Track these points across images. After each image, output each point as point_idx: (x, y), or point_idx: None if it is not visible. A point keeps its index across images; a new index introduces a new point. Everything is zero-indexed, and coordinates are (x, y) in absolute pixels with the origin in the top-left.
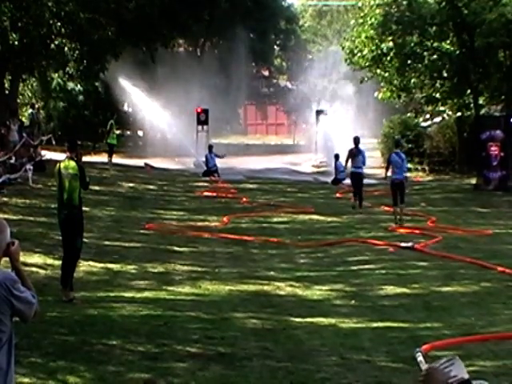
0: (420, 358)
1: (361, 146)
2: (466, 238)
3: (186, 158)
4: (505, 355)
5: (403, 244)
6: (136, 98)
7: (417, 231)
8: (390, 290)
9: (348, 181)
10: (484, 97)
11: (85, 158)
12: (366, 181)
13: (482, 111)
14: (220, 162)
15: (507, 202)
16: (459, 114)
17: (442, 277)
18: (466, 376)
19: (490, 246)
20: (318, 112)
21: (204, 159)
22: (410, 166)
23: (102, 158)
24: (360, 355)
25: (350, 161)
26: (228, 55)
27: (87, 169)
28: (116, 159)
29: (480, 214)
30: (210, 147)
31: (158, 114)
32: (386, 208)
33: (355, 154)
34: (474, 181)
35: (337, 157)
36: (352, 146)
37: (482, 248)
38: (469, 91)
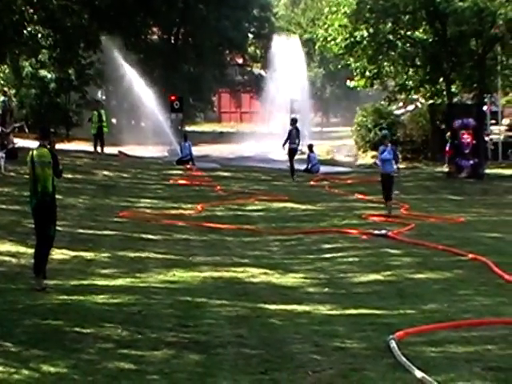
0: (393, 345)
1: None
2: (438, 226)
3: (160, 146)
4: (476, 341)
5: (376, 232)
6: (109, 85)
7: (390, 219)
8: (364, 277)
9: (322, 169)
10: (456, 85)
11: (58, 146)
12: (340, 169)
13: (455, 99)
14: (194, 150)
15: (479, 190)
16: (432, 101)
17: (414, 264)
18: None
19: (463, 233)
20: (292, 100)
21: (179, 147)
22: None
23: (76, 145)
24: (334, 342)
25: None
26: (202, 43)
27: (60, 156)
28: (90, 147)
29: (452, 202)
30: (185, 136)
31: (131, 101)
32: (360, 196)
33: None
34: (445, 168)
35: (310, 148)
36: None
37: (455, 235)
38: (441, 79)
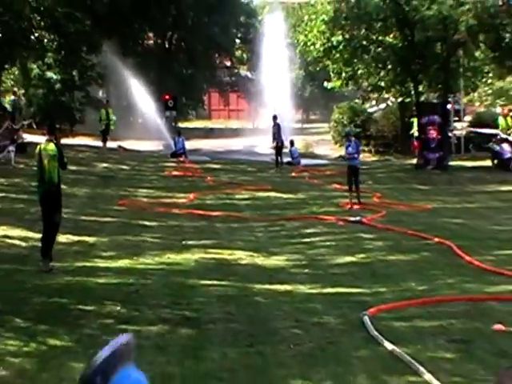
0: (366, 320)
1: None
2: (407, 213)
3: (156, 141)
4: (441, 316)
5: (352, 218)
6: (110, 86)
7: (364, 207)
8: (340, 259)
9: (303, 162)
10: (423, 85)
11: (63, 141)
12: (317, 161)
13: (422, 98)
14: (187, 145)
15: (444, 180)
16: (401, 100)
17: (386, 247)
18: None
19: (429, 219)
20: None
21: (173, 142)
22: None
23: (79, 140)
24: (313, 318)
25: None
26: (193, 47)
27: (65, 150)
28: (92, 142)
29: (420, 191)
30: (179, 131)
31: (130, 100)
32: (337, 186)
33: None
34: (414, 161)
35: (292, 143)
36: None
37: (422, 221)
38: (410, 80)
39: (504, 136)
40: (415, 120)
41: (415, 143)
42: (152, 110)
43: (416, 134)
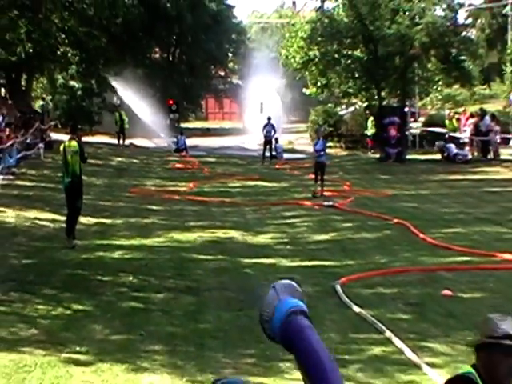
0: (338, 288)
1: (272, 122)
2: (372, 198)
3: (162, 139)
4: (400, 284)
5: (326, 203)
6: (122, 93)
7: (336, 193)
8: (316, 237)
9: (285, 156)
10: (385, 91)
11: (83, 139)
12: (297, 155)
13: (384, 102)
14: (188, 142)
15: (402, 171)
16: (367, 104)
17: (354, 227)
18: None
19: (390, 203)
20: (262, 103)
21: (176, 140)
22: (330, 144)
23: (97, 138)
24: None
25: (264, 130)
26: (193, 60)
27: (85, 147)
28: (108, 139)
29: (382, 180)
30: (181, 131)
31: (139, 105)
32: (313, 176)
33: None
34: (378, 155)
35: (276, 140)
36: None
37: (384, 205)
38: (374, 87)
39: (451, 134)
40: (370, 121)
41: (369, 140)
42: (158, 112)
43: (370, 132)
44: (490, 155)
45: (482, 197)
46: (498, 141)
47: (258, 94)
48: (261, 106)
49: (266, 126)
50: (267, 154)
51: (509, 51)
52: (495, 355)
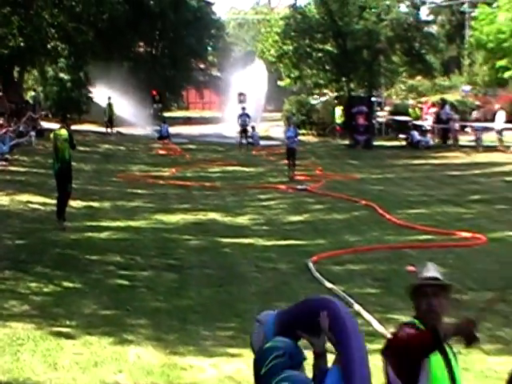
0: (310, 265)
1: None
2: (342, 182)
3: (146, 127)
4: (368, 261)
5: (299, 186)
6: (109, 84)
7: (308, 177)
8: (290, 218)
9: (262, 143)
10: (353, 83)
11: (73, 127)
12: (273, 142)
13: (353, 93)
14: (170, 130)
15: (370, 156)
16: (337, 94)
17: (325, 209)
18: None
19: (358, 186)
20: (240, 94)
21: (159, 128)
22: (303, 131)
23: (85, 126)
24: (269, 264)
25: (240, 119)
26: (175, 53)
27: (74, 134)
28: (96, 128)
29: (351, 165)
30: (164, 119)
31: (125, 95)
32: (287, 161)
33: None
34: (347, 141)
35: (253, 128)
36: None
37: (353, 188)
38: (343, 79)
39: (415, 122)
40: (337, 109)
41: (337, 128)
42: (143, 102)
43: (337, 121)
44: (450, 141)
45: (442, 180)
46: (457, 128)
47: (236, 85)
48: (238, 97)
49: (241, 115)
50: (244, 141)
51: (467, 46)
52: (418, 298)
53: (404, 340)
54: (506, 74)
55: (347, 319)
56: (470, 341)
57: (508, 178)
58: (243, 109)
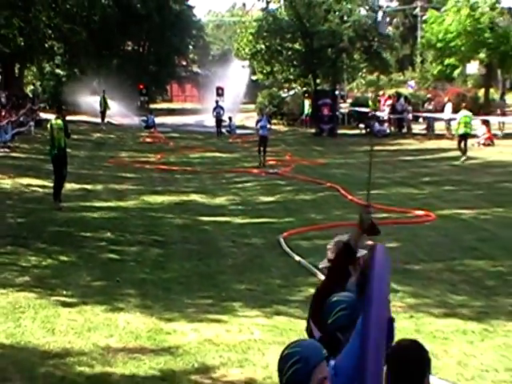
0: (281, 241)
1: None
2: (309, 166)
3: (134, 117)
4: (332, 236)
5: (271, 170)
6: (100, 79)
7: (279, 162)
8: (263, 198)
9: (238, 131)
10: (319, 78)
11: (68, 117)
12: (247, 131)
13: (319, 87)
14: (156, 120)
15: (333, 143)
16: (305, 88)
17: (294, 190)
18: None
19: (323, 170)
20: (218, 88)
21: (146, 118)
22: (274, 121)
23: (79, 117)
24: (244, 240)
25: (214, 112)
26: (160, 52)
27: (69, 124)
28: (88, 118)
29: (317, 151)
30: (151, 111)
31: (115, 89)
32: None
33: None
34: (313, 130)
35: (230, 118)
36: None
37: (319, 172)
38: (310, 75)
39: (374, 114)
40: (306, 102)
41: (306, 119)
42: (131, 95)
43: (306, 111)
44: (404, 130)
45: (397, 164)
46: (411, 118)
47: (216, 80)
48: (217, 91)
49: (215, 108)
50: (219, 130)
51: (418, 45)
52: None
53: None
54: (455, 72)
55: (378, 261)
56: (373, 233)
57: (454, 163)
58: (217, 102)
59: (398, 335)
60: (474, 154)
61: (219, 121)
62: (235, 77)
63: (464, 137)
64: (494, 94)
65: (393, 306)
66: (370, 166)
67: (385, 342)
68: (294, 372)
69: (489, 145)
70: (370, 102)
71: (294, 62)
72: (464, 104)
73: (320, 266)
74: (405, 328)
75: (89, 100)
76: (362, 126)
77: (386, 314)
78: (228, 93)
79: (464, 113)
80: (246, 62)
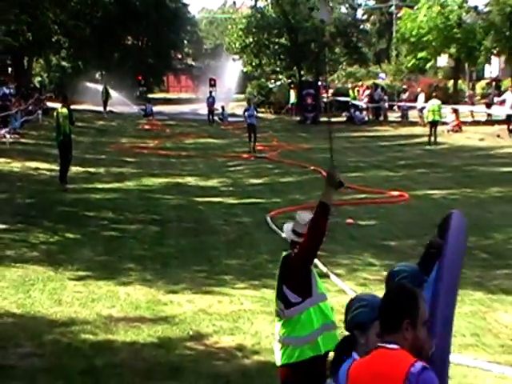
0: (268, 219)
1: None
2: (294, 151)
3: (134, 106)
4: None
5: (259, 155)
6: (102, 71)
7: (267, 147)
8: (252, 181)
9: (229, 119)
10: (304, 70)
11: (72, 106)
12: (238, 119)
13: (303, 78)
14: (153, 108)
15: (316, 130)
16: (290, 80)
17: (280, 173)
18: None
19: (307, 155)
20: (211, 79)
21: (144, 107)
22: (262, 109)
23: (84, 106)
24: (235, 218)
25: (207, 101)
26: (157, 46)
27: (74, 113)
28: (91, 107)
29: (302, 137)
30: (149, 100)
31: (116, 80)
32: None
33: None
34: (298, 118)
35: (222, 107)
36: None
37: (303, 156)
38: (295, 67)
39: (354, 103)
40: (291, 92)
41: (292, 107)
42: (131, 86)
43: (291, 101)
44: (381, 118)
45: (375, 149)
46: (387, 107)
47: (207, 71)
48: (209, 81)
49: (208, 98)
50: (211, 118)
51: (394, 40)
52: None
53: None
54: (427, 65)
55: (454, 225)
56: (340, 186)
57: (427, 147)
58: (210, 93)
59: None
60: (444, 140)
61: (211, 110)
62: (227, 69)
63: (433, 124)
64: (462, 84)
65: (366, 279)
66: (330, 136)
67: (456, 291)
68: (360, 313)
69: (457, 131)
70: (350, 92)
71: (281, 56)
72: (435, 94)
73: (286, 236)
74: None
75: (92, 90)
76: (343, 114)
77: (460, 265)
78: (221, 84)
79: (433, 101)
80: (237, 56)
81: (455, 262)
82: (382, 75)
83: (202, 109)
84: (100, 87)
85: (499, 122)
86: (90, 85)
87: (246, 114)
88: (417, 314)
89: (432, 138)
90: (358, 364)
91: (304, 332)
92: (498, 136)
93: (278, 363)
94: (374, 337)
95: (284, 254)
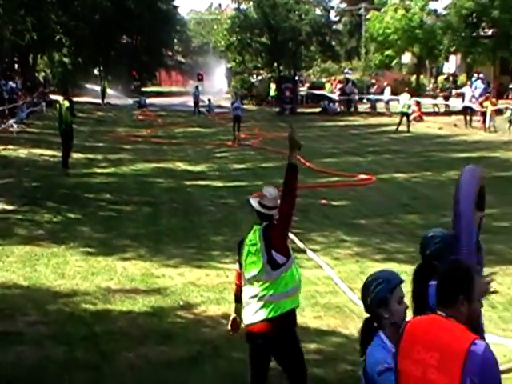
0: (251, 201)
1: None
2: (274, 139)
3: (129, 99)
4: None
5: (243, 142)
6: (100, 67)
7: (249, 136)
8: (236, 166)
9: (216, 110)
10: (282, 66)
11: (74, 99)
12: (224, 110)
13: (282, 73)
14: (147, 100)
15: (294, 120)
16: (270, 75)
17: (261, 159)
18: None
19: (286, 142)
20: (198, 74)
21: (139, 99)
22: (245, 101)
23: (84, 98)
24: (221, 200)
25: (193, 95)
26: (150, 44)
27: (75, 105)
28: (91, 99)
29: (281, 127)
30: (143, 93)
31: (112, 75)
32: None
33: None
34: (277, 109)
35: (209, 100)
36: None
37: (282, 144)
38: (275, 64)
39: (327, 95)
40: (271, 86)
41: (272, 100)
42: (126, 80)
43: (271, 94)
44: (352, 109)
45: (346, 137)
46: (357, 99)
47: (195, 67)
48: (197, 76)
49: (194, 92)
50: (200, 109)
51: (363, 39)
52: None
53: None
54: (393, 62)
55: (465, 176)
56: (298, 148)
57: (392, 135)
58: (196, 87)
59: (347, 276)
60: (407, 129)
61: (196, 102)
62: (213, 65)
63: (405, 115)
64: (424, 79)
65: (339, 254)
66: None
67: (473, 219)
68: (379, 291)
69: (419, 121)
70: (327, 86)
71: (262, 53)
72: (407, 88)
73: (258, 208)
74: (352, 270)
75: (90, 89)
76: (321, 104)
77: (472, 205)
78: (207, 78)
79: (405, 96)
80: (223, 53)
81: (468, 207)
82: (349, 70)
83: (191, 101)
84: (97, 87)
85: (456, 113)
86: (88, 86)
87: (234, 105)
88: (472, 289)
89: (405, 128)
90: (418, 322)
91: (287, 287)
92: (455, 125)
93: (257, 320)
94: (396, 306)
95: (258, 227)
